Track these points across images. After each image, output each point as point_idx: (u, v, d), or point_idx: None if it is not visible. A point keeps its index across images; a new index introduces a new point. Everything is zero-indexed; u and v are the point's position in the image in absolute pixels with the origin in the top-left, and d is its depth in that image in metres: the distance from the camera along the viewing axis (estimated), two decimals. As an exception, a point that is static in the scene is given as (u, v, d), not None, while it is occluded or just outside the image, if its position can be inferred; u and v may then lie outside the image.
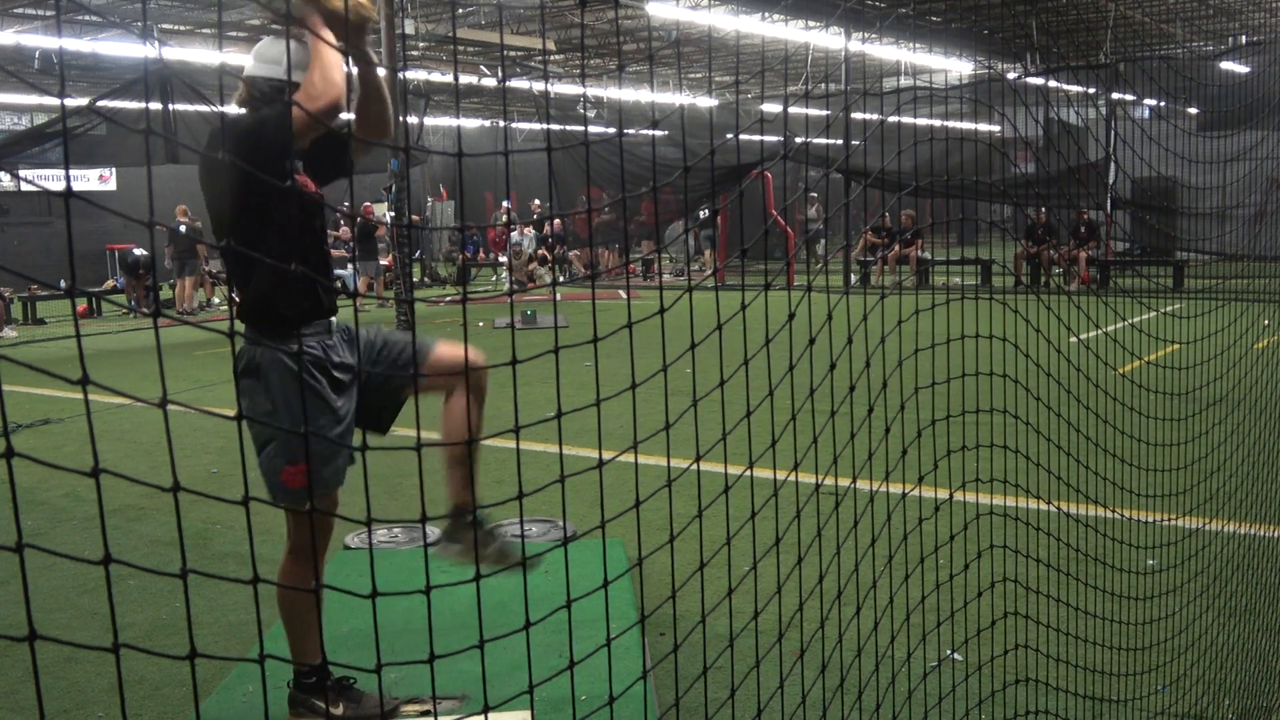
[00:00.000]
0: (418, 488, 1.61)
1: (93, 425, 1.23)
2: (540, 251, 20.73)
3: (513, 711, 2.81)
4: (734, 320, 2.00)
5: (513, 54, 20.02)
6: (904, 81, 19.22)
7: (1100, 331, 3.23)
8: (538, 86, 21.01)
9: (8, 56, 15.40)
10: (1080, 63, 17.16)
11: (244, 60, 2.91)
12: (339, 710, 2.91)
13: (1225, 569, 3.82)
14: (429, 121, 22.41)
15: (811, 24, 17.61)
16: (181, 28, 17.35)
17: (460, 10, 16.24)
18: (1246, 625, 3.63)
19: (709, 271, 16.91)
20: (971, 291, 2.92)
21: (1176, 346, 3.84)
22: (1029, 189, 14.47)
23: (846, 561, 2.57)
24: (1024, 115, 3.59)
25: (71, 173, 1.31)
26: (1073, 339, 3.10)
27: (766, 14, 15.39)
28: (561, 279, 20.54)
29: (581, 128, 23.91)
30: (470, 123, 26.84)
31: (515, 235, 20.63)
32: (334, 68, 2.63)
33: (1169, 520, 3.62)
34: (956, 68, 18.67)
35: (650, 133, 2.07)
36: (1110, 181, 16.38)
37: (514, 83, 21.13)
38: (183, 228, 15.81)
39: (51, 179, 18.61)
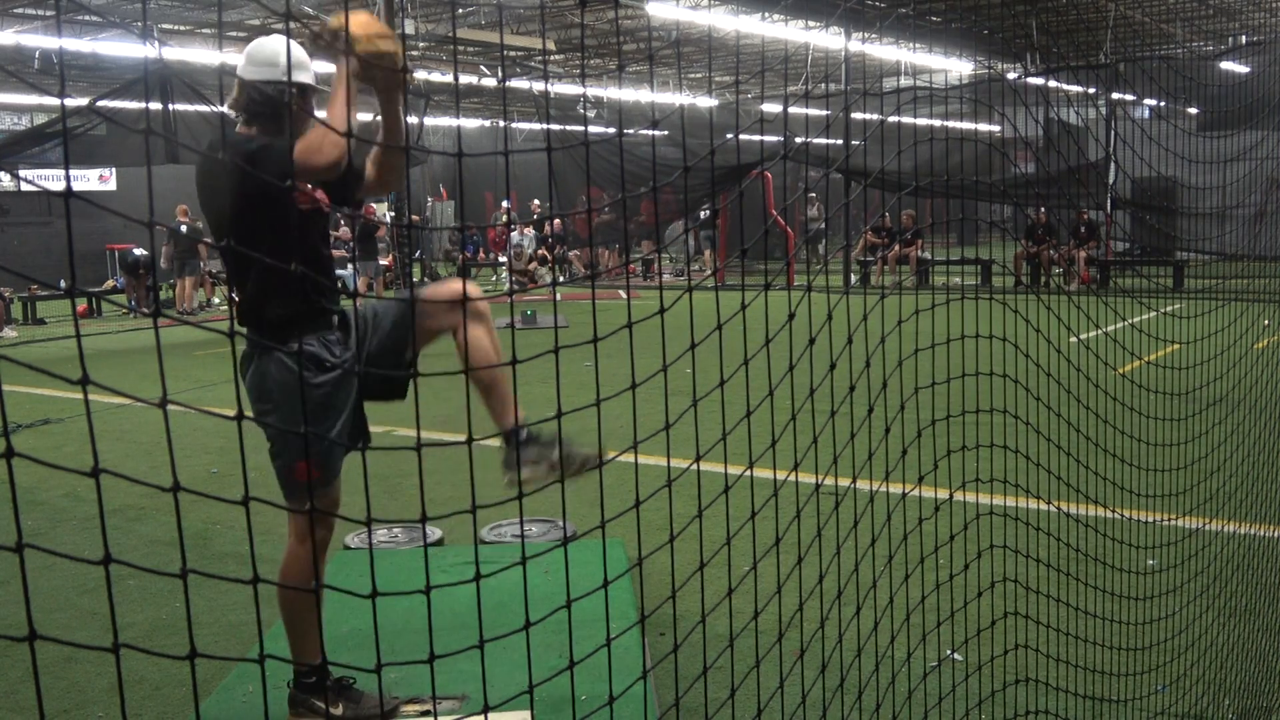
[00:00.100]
0: (418, 488, 1.61)
1: (93, 425, 1.23)
2: (540, 251, 20.74)
3: (513, 711, 2.81)
4: (734, 320, 2.00)
5: (513, 54, 20.02)
6: (904, 81, 19.22)
7: (1100, 331, 3.23)
8: (538, 86, 21.02)
9: (8, 56, 15.41)
10: (1080, 63, 17.17)
11: (240, 61, 2.91)
12: (339, 710, 2.91)
13: (1225, 569, 3.82)
14: (429, 121, 22.39)
15: (811, 24, 17.62)
16: (181, 28, 17.36)
17: (460, 10, 16.24)
18: (1246, 625, 3.63)
19: (709, 271, 16.92)
20: (971, 291, 2.92)
21: (1176, 346, 3.84)
22: (1029, 189, 14.47)
23: (846, 561, 2.57)
24: (1024, 115, 3.59)
25: (71, 173, 1.32)
26: (1073, 339, 3.10)
27: (766, 14, 15.40)
28: (561, 279, 20.54)
29: (581, 128, 23.91)
30: (470, 123, 26.84)
31: (515, 236, 20.63)
32: (340, 119, 2.59)
33: (1169, 520, 3.62)
34: (956, 68, 18.67)
35: (650, 133, 2.07)
36: (1110, 181, 16.38)
37: (514, 83, 21.13)
38: (183, 228, 15.81)
39: (51, 179, 18.61)
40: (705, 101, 18.04)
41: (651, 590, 4.11)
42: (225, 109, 2.96)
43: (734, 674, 2.43)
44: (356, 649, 3.35)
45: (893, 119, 3.15)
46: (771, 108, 17.13)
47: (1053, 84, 15.89)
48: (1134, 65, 14.85)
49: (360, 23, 2.67)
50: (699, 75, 24.44)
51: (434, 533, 4.81)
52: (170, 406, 1.23)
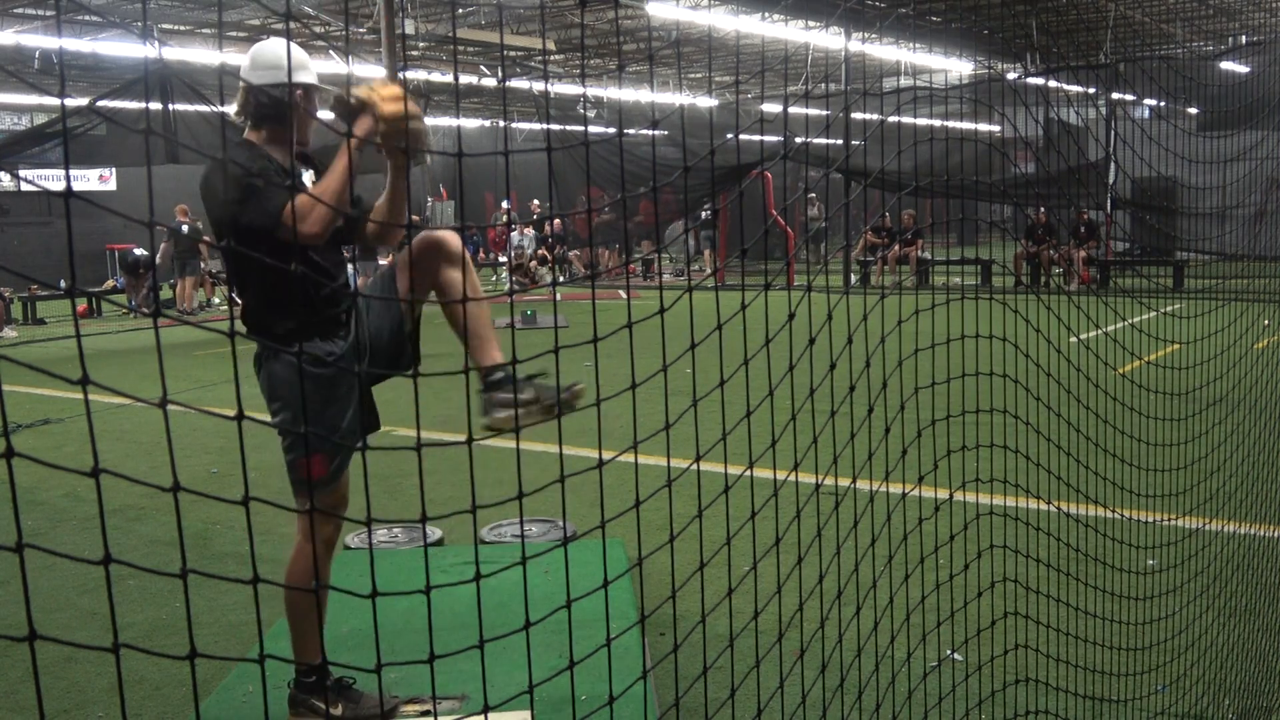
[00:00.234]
0: (418, 488, 1.61)
1: (93, 425, 1.23)
2: (540, 251, 20.74)
3: (513, 711, 2.81)
4: (734, 320, 2.00)
5: (513, 54, 20.02)
6: (904, 81, 19.21)
7: (1100, 331, 3.23)
8: (538, 86, 21.02)
9: (8, 56, 15.41)
10: (1080, 63, 17.16)
11: (242, 62, 2.90)
12: (339, 710, 2.91)
13: (1225, 569, 3.82)
14: (429, 121, 22.35)
15: (811, 24, 17.62)
16: (181, 28, 17.35)
17: (460, 10, 16.24)
18: (1246, 625, 3.63)
19: (709, 271, 16.92)
20: (971, 291, 2.92)
21: (1176, 346, 3.84)
22: (1029, 189, 14.47)
23: (846, 561, 2.57)
24: (1024, 115, 3.59)
25: (71, 173, 1.32)
26: (1073, 339, 3.10)
27: (766, 14, 15.40)
28: (561, 279, 20.54)
29: (581, 128, 23.92)
30: (470, 123, 26.83)
31: (515, 236, 20.63)
32: (334, 194, 2.58)
33: (1169, 520, 3.62)
34: (956, 68, 18.67)
35: (650, 133, 2.07)
36: (1110, 181, 16.38)
37: (514, 83, 21.13)
38: (184, 228, 15.82)
39: (51, 179, 18.62)
40: (705, 101, 18.05)
41: (651, 590, 4.11)
42: (231, 114, 2.95)
43: (734, 674, 2.43)
44: (356, 649, 3.35)
45: (893, 119, 3.15)
46: (771, 108, 17.13)
47: (1053, 84, 15.89)
48: (1134, 65, 14.85)
49: (392, 96, 2.62)
50: (699, 75, 24.45)
51: (434, 533, 4.81)
52: (170, 406, 1.23)
